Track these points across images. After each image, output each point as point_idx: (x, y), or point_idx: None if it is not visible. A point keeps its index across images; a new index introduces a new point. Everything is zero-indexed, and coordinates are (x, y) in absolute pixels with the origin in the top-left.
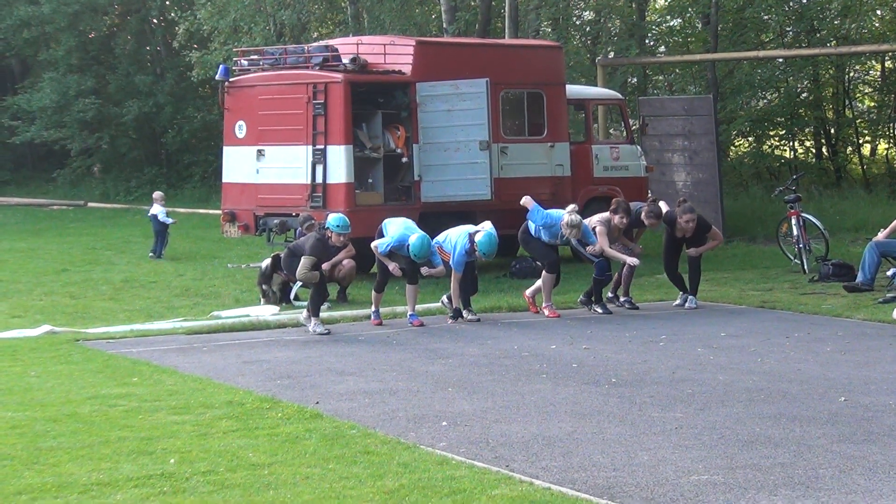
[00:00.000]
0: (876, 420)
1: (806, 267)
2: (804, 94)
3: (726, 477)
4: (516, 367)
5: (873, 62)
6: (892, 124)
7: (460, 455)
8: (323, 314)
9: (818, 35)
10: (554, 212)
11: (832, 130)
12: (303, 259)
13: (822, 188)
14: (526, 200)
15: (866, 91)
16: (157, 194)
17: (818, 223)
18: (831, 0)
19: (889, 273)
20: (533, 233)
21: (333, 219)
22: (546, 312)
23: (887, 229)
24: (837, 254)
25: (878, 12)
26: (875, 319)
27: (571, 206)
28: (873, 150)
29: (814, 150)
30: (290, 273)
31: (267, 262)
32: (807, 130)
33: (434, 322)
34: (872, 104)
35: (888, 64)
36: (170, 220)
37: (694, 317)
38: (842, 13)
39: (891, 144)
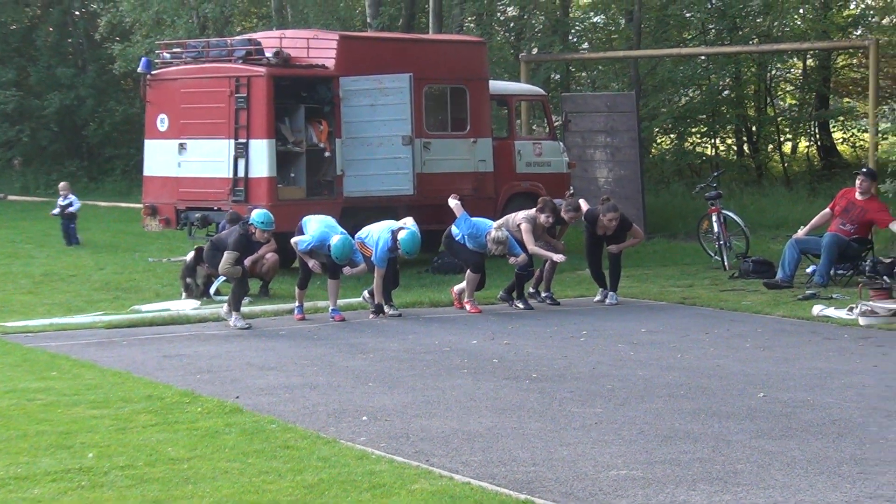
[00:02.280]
0: (794, 416)
1: (726, 263)
2: (726, 92)
3: (645, 472)
4: (437, 363)
5: (795, 60)
6: (812, 122)
7: (380, 450)
8: (244, 309)
9: (740, 33)
10: (480, 222)
11: (753, 128)
12: (225, 254)
13: (743, 185)
14: (455, 206)
15: (788, 89)
16: (62, 185)
17: (739, 220)
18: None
19: (808, 270)
20: (457, 239)
21: (257, 215)
22: (468, 308)
23: (807, 226)
24: (758, 250)
25: (801, 10)
26: (794, 316)
27: (499, 222)
28: (794, 148)
29: (735, 148)
30: (212, 267)
31: (191, 255)
32: (728, 128)
33: (356, 317)
34: (794, 102)
35: (809, 62)
36: (55, 211)
37: (614, 313)
38: (764, 11)
39: (811, 142)
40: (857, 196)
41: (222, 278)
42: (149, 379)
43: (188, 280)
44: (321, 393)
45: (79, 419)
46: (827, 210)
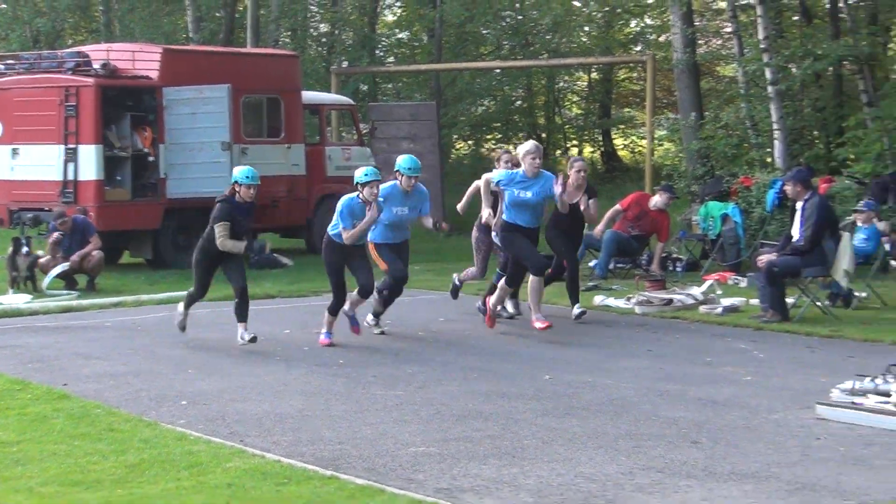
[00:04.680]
0: (576, 396)
1: None
2: (518, 102)
3: (441, 448)
4: (252, 351)
5: (581, 73)
6: (596, 130)
7: (198, 431)
8: (72, 302)
9: (532, 48)
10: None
11: (543, 135)
12: (216, 228)
13: None
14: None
15: (574, 100)
16: None
17: None
18: (543, 16)
19: (591, 264)
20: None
21: (242, 171)
22: (538, 325)
23: (602, 223)
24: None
25: (586, 28)
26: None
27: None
28: (580, 153)
29: None
30: (208, 259)
31: (10, 249)
32: (520, 134)
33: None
34: (579, 111)
35: (594, 75)
36: None
37: (416, 305)
38: (553, 29)
39: (595, 148)
40: (652, 207)
41: (56, 272)
42: None
43: (14, 274)
44: (144, 380)
45: None
46: (619, 207)
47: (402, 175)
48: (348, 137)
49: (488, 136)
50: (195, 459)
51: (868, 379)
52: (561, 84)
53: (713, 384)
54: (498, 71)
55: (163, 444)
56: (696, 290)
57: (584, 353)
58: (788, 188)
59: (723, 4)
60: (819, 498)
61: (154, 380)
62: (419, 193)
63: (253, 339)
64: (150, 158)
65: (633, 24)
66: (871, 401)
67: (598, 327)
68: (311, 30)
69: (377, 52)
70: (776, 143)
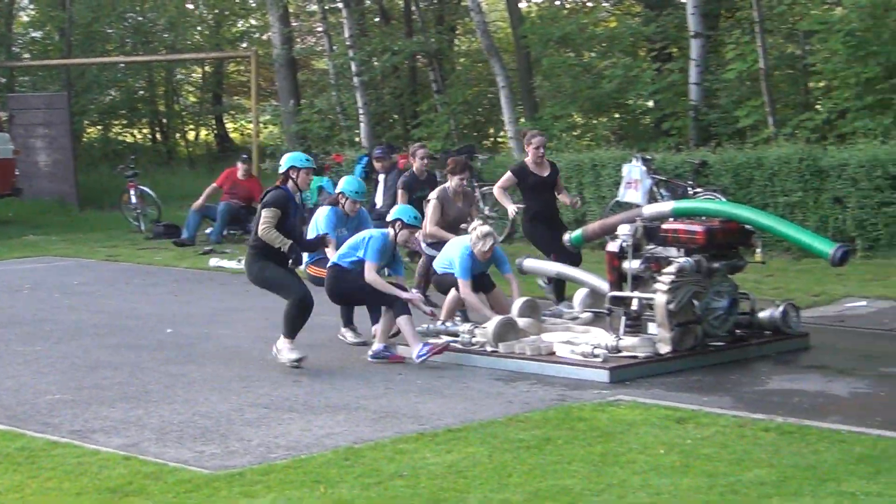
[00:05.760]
0: (195, 346)
1: (143, 228)
2: (141, 92)
3: (75, 395)
4: None
5: (196, 67)
6: (210, 115)
7: None
8: None
9: (152, 45)
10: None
11: (164, 120)
12: (263, 213)
13: (156, 166)
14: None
15: (190, 90)
16: None
17: (152, 193)
18: (161, 17)
19: (207, 231)
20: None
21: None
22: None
23: (202, 198)
24: (168, 217)
25: (199, 27)
26: (196, 267)
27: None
28: (196, 136)
29: (150, 136)
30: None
31: None
32: (143, 120)
33: None
34: (195, 100)
35: (207, 68)
36: None
37: (52, 270)
38: (168, 28)
39: (210, 131)
40: (239, 176)
41: None
42: None
43: None
44: None
45: None
46: (214, 185)
47: (347, 199)
48: None
49: (115, 122)
50: None
51: (440, 322)
52: (178, 76)
53: (312, 331)
54: (122, 65)
55: None
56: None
57: (202, 309)
58: (375, 163)
59: (315, 7)
60: (399, 423)
61: None
62: (360, 216)
63: None
64: None
65: (239, 23)
66: (443, 340)
67: (214, 286)
68: None
69: (14, 48)
70: (362, 125)
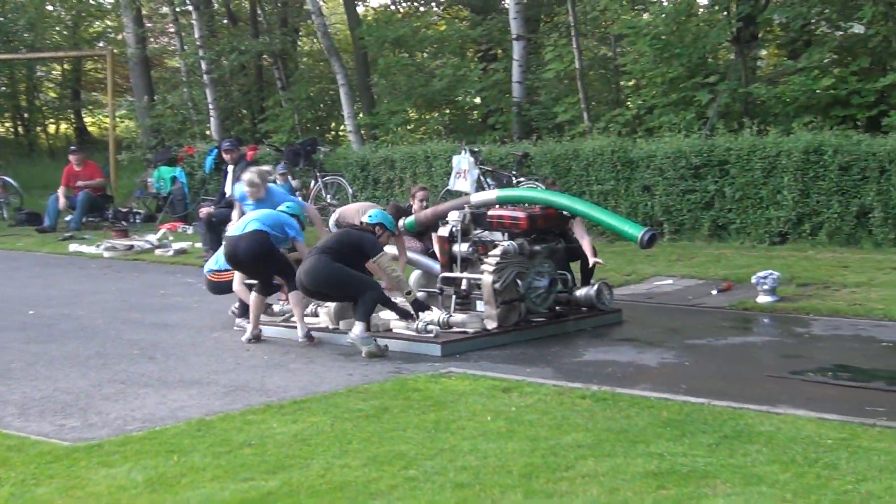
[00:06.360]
0: (55, 326)
1: (6, 216)
2: (3, 88)
3: None
4: None
5: (56, 65)
6: (70, 110)
7: None
8: None
9: (12, 44)
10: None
11: (25, 115)
12: (382, 258)
13: (19, 157)
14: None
15: (51, 86)
16: None
17: (15, 183)
18: (20, 18)
19: (67, 219)
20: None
21: (378, 214)
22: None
23: (61, 199)
24: (30, 206)
25: (57, 28)
26: (57, 252)
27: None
28: (57, 130)
29: (12, 130)
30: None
31: None
32: (6, 115)
33: None
34: (55, 95)
35: (66, 66)
36: None
37: None
38: (28, 28)
39: (70, 125)
40: (76, 168)
41: None
42: None
43: None
44: None
45: None
46: (62, 187)
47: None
48: None
49: None
50: None
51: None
52: (39, 73)
53: (166, 311)
54: None
55: None
56: (153, 237)
57: (62, 291)
58: (225, 155)
59: (166, 9)
60: (248, 396)
61: None
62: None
63: None
64: None
65: (96, 24)
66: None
67: (73, 269)
68: None
69: None
70: (212, 119)
